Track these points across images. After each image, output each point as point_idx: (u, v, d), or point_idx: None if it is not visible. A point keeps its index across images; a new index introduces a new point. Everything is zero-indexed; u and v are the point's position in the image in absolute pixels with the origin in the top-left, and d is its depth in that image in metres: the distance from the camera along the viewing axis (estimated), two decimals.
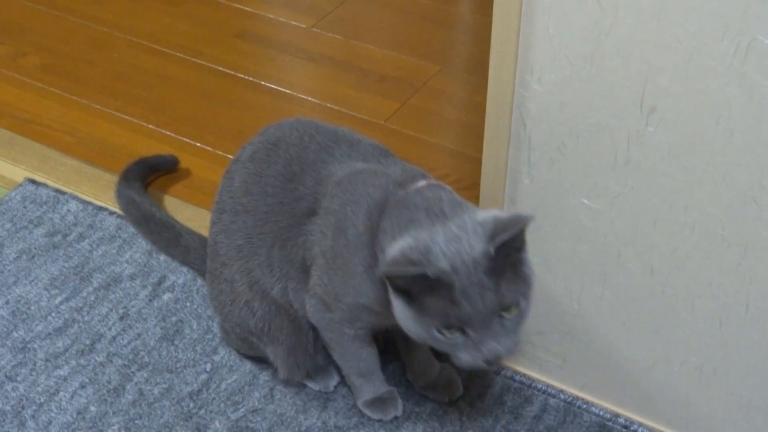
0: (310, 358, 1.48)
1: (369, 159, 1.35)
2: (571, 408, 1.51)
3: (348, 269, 1.28)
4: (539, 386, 1.54)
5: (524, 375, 1.56)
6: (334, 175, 1.33)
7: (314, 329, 1.42)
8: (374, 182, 1.28)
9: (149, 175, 1.92)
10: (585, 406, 1.51)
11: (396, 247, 1.16)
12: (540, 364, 1.55)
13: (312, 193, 1.33)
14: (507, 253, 1.13)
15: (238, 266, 1.41)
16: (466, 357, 1.16)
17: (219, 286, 1.46)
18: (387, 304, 1.23)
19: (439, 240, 1.13)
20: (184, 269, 1.74)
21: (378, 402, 1.48)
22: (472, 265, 1.11)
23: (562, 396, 1.53)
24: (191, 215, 1.85)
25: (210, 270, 1.49)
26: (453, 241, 1.13)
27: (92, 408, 1.51)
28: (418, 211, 1.19)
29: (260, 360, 1.55)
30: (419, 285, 1.12)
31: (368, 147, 1.37)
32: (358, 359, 1.43)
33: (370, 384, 1.47)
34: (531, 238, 1.39)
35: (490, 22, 1.24)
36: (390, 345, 1.55)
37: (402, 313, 1.18)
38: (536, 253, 1.41)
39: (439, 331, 1.15)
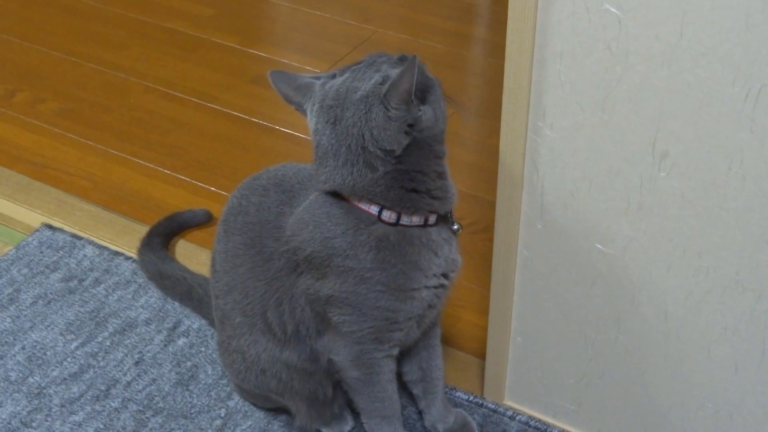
0: (329, 407, 1.48)
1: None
2: None
3: (360, 269, 1.27)
4: (555, 431, 1.53)
5: (539, 420, 1.55)
6: (286, 227, 1.33)
7: (331, 379, 1.42)
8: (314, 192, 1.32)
9: (178, 232, 1.94)
10: None
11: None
12: (555, 409, 1.54)
13: (277, 250, 1.34)
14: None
15: (244, 339, 1.42)
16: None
17: (231, 356, 1.47)
18: (403, 276, 1.27)
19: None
20: None
21: None
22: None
23: None
24: (206, 259, 1.85)
25: (219, 341, 1.51)
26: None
27: None
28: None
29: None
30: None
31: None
32: (384, 397, 1.42)
33: (390, 427, 1.46)
34: (545, 283, 1.40)
35: (503, 66, 1.25)
36: (404, 391, 1.55)
37: (430, 115, 1.21)
38: (549, 297, 1.41)
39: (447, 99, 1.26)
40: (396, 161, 1.21)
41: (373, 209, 1.25)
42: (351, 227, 1.26)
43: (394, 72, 1.20)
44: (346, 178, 1.23)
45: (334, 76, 1.26)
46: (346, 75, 1.25)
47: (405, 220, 1.26)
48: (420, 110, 1.19)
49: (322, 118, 1.24)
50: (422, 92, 1.20)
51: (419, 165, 1.23)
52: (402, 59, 1.24)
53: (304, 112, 1.29)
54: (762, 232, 1.17)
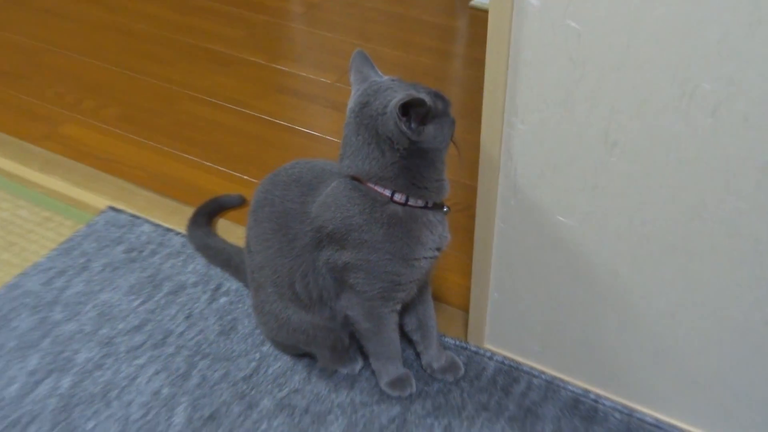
0: (346, 352, 1.49)
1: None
2: (551, 386, 1.50)
3: (374, 241, 1.26)
4: (524, 368, 1.53)
5: (512, 360, 1.55)
6: (311, 211, 1.32)
7: (347, 331, 1.43)
8: (334, 179, 1.31)
9: (218, 212, 1.92)
10: (562, 384, 1.50)
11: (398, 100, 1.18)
12: (525, 350, 1.54)
13: (302, 231, 1.33)
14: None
15: (276, 305, 1.42)
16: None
17: (264, 317, 1.47)
18: (407, 248, 1.27)
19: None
20: None
21: (397, 382, 1.48)
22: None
23: (543, 377, 1.52)
24: (241, 234, 1.85)
25: (255, 305, 1.50)
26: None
27: (165, 390, 1.51)
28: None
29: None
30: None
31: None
32: (389, 342, 1.42)
33: (393, 366, 1.46)
34: (517, 249, 1.39)
35: (479, 77, 1.24)
36: (404, 338, 1.55)
37: (429, 134, 1.21)
38: (521, 260, 1.40)
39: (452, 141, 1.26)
40: (400, 155, 1.21)
41: (387, 192, 1.25)
42: (368, 206, 1.25)
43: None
44: (363, 163, 1.23)
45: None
46: (392, 81, 1.25)
47: (412, 201, 1.26)
48: (413, 128, 1.19)
49: (355, 104, 1.24)
50: (424, 118, 1.20)
51: (420, 169, 1.23)
52: (436, 95, 1.24)
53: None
54: (694, 205, 1.17)
